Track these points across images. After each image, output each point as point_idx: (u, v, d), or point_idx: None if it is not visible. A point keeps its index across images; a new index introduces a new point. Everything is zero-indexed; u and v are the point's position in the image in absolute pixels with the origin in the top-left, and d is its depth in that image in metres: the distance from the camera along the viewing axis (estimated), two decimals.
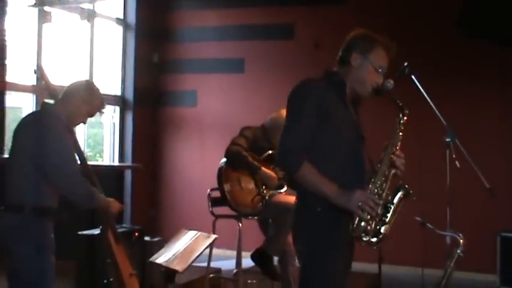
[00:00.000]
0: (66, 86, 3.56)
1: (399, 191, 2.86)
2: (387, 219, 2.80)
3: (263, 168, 4.82)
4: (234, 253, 5.49)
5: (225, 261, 6.57)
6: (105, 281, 3.70)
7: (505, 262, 6.68)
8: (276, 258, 4.92)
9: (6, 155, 5.90)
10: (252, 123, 5.21)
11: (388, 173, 2.85)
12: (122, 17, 8.13)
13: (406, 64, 3.79)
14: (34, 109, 6.46)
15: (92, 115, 3.60)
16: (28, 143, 3.31)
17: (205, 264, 5.18)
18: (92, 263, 4.48)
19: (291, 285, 4.75)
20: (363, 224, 2.75)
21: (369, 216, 2.72)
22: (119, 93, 8.12)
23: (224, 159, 4.92)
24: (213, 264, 5.36)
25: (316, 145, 2.78)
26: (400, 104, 2.92)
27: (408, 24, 7.28)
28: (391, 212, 2.82)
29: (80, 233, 4.79)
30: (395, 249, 6.46)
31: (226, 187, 4.83)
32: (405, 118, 2.92)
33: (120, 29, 8.14)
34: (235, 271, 5.41)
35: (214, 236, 4.32)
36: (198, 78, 8.32)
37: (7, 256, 3.30)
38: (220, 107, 8.17)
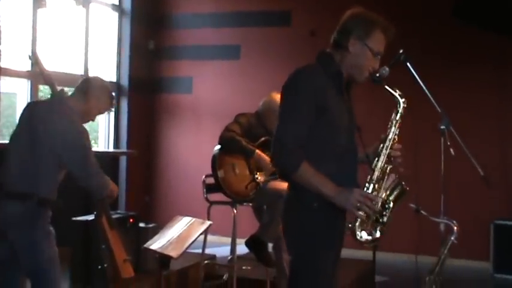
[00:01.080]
0: (81, 82, 3.59)
1: (396, 189, 2.81)
2: (384, 219, 2.77)
3: (257, 151, 4.82)
4: (229, 239, 5.50)
5: (220, 248, 6.59)
6: (100, 267, 3.70)
7: (498, 250, 6.73)
8: (270, 245, 4.93)
9: (0, 141, 5.90)
10: (247, 110, 5.20)
11: (386, 168, 2.80)
12: (117, 2, 8.10)
13: (401, 51, 3.78)
14: (28, 95, 6.44)
15: (102, 113, 3.67)
16: (47, 135, 3.29)
17: (199, 250, 5.19)
18: (87, 249, 4.49)
19: (285, 272, 4.77)
20: (358, 223, 2.73)
21: (365, 216, 2.68)
22: (114, 79, 8.09)
23: (218, 146, 4.91)
24: (207, 251, 5.37)
25: (313, 138, 2.69)
26: (398, 94, 2.86)
27: (405, 12, 7.27)
28: (388, 212, 2.78)
29: (74, 219, 4.79)
30: (389, 236, 6.48)
31: (220, 173, 4.83)
32: (403, 109, 2.85)
33: (115, 15, 8.10)
34: (229, 257, 5.42)
35: (208, 223, 4.32)
36: (194, 64, 8.31)
37: (5, 244, 3.30)
38: (216, 94, 8.16)
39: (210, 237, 5.48)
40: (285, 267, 4.73)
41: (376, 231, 2.78)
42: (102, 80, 3.70)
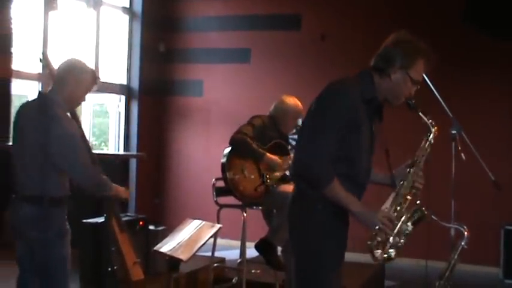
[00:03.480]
0: (57, 71, 3.48)
1: (416, 214, 2.85)
2: (400, 244, 2.80)
3: (267, 154, 4.83)
4: (238, 243, 5.49)
5: (229, 251, 6.58)
6: (110, 269, 3.71)
7: (509, 255, 6.69)
8: (279, 248, 4.92)
9: (11, 142, 5.91)
10: (257, 113, 5.20)
11: (409, 193, 2.85)
12: (128, 5, 8.13)
13: None
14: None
15: (89, 90, 3.53)
16: (36, 134, 3.28)
17: (209, 253, 5.19)
18: (97, 251, 4.49)
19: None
20: (377, 240, 2.77)
21: (385, 237, 2.74)
22: (124, 82, 8.12)
23: (228, 149, 4.92)
24: (217, 254, 5.38)
25: (339, 156, 2.73)
26: (430, 122, 2.89)
27: (416, 17, 7.26)
28: (404, 238, 2.81)
29: (84, 221, 4.80)
30: None
31: (229, 175, 4.83)
32: (432, 136, 2.89)
33: (126, 18, 8.13)
34: (239, 261, 5.42)
35: (218, 226, 4.32)
36: (204, 68, 8.32)
37: (20, 243, 3.32)
38: (226, 97, 8.16)
39: (219, 241, 5.47)
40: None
41: (391, 253, 2.81)
42: (75, 61, 3.54)
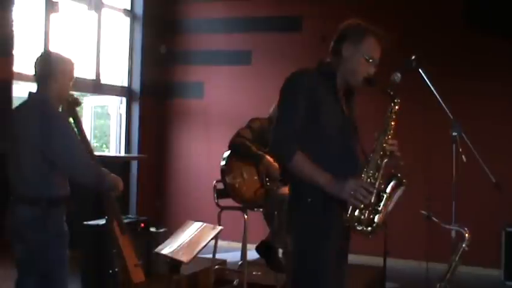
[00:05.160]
0: (37, 68, 3.44)
1: (392, 180, 2.83)
2: (380, 208, 2.78)
3: (267, 157, 4.83)
4: (239, 245, 5.50)
5: (230, 253, 6.59)
6: (111, 271, 3.71)
7: (510, 257, 6.68)
8: (280, 251, 4.92)
9: None
10: (258, 115, 5.21)
11: (381, 162, 2.83)
12: (129, 7, 8.13)
13: (413, 57, 3.78)
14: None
15: (72, 78, 3.50)
16: (32, 135, 3.27)
17: (210, 255, 5.20)
18: (98, 253, 4.50)
19: None
20: (356, 213, 2.75)
21: (362, 205, 2.72)
22: (125, 84, 8.12)
23: (227, 153, 4.93)
24: (218, 256, 5.39)
25: (307, 137, 2.80)
26: (391, 93, 2.90)
27: (417, 18, 7.26)
28: (384, 201, 2.79)
29: (85, 223, 4.80)
30: (401, 243, 6.47)
31: (229, 179, 4.84)
32: (397, 107, 2.89)
33: (127, 20, 8.14)
34: (240, 263, 5.42)
35: (219, 228, 4.33)
36: (205, 70, 8.32)
37: (21, 246, 3.31)
38: (227, 99, 8.17)
39: (220, 243, 5.48)
40: None
41: (373, 222, 2.78)
42: (51, 55, 3.52)
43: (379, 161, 2.83)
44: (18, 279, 3.36)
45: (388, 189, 2.81)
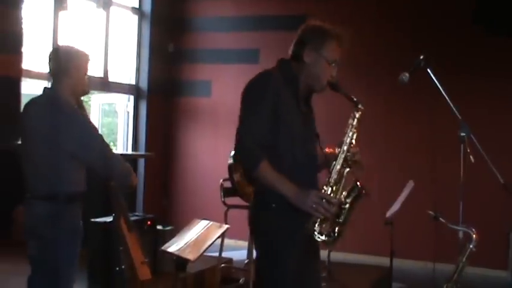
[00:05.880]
0: (52, 64, 3.38)
1: (353, 191, 2.85)
2: (341, 220, 2.81)
3: None
4: (246, 243, 5.50)
5: (237, 251, 6.59)
6: (117, 269, 3.72)
7: None
8: None
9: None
10: None
11: (343, 171, 2.84)
12: (137, 5, 8.14)
13: (422, 57, 3.77)
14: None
15: (87, 72, 3.45)
16: (49, 132, 3.23)
17: (217, 254, 5.20)
18: (105, 250, 4.51)
19: None
20: (317, 224, 2.77)
21: (322, 217, 2.73)
22: (133, 82, 8.13)
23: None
24: (224, 254, 5.39)
25: (270, 142, 2.78)
26: (355, 100, 2.90)
27: (425, 18, 7.24)
28: (345, 213, 2.82)
29: (93, 220, 4.81)
30: (407, 243, 6.46)
31: (236, 177, 4.84)
32: (359, 113, 2.89)
33: (135, 18, 8.15)
34: (246, 261, 5.42)
35: (226, 226, 4.33)
36: (213, 68, 8.33)
37: (35, 243, 3.31)
38: (234, 98, 8.02)
39: (227, 241, 5.48)
40: None
41: (334, 232, 2.81)
42: (66, 49, 3.45)
43: (340, 171, 2.84)
44: (31, 276, 3.36)
45: (349, 200, 2.84)
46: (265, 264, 2.83)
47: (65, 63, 3.35)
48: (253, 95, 2.85)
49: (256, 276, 2.93)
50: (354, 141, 2.88)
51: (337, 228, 2.80)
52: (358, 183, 2.84)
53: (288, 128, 2.82)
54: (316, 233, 2.77)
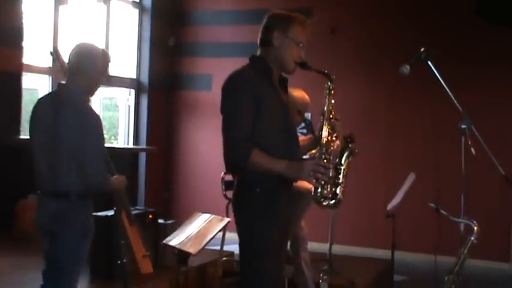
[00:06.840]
0: (70, 60, 3.37)
1: (345, 152, 3.00)
2: (340, 180, 2.96)
3: None
4: None
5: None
6: (119, 262, 3.72)
7: None
8: (288, 243, 4.92)
9: (22, 136, 5.94)
10: None
11: (330, 138, 2.97)
12: None
13: (422, 50, 3.76)
14: (50, 91, 6.48)
15: (105, 72, 3.46)
16: (57, 127, 3.22)
17: (218, 247, 5.20)
18: (106, 244, 4.51)
19: (303, 270, 4.76)
20: (319, 189, 2.91)
21: (323, 182, 2.89)
22: (134, 76, 8.13)
23: None
24: (226, 248, 5.38)
25: (256, 131, 2.92)
26: (326, 72, 3.05)
27: (427, 10, 7.22)
28: (342, 173, 2.97)
29: (94, 214, 4.80)
30: (409, 236, 6.46)
31: None
32: (333, 84, 3.04)
33: (136, 12, 8.14)
34: None
35: (227, 219, 4.33)
36: (214, 62, 8.32)
37: (47, 239, 3.30)
38: None
39: (228, 234, 5.47)
40: (303, 266, 4.73)
41: (337, 194, 2.95)
42: (85, 46, 3.44)
43: (328, 137, 2.97)
44: (44, 270, 3.36)
45: (343, 161, 2.99)
46: (250, 239, 2.97)
47: (82, 61, 3.34)
48: (231, 94, 3.02)
49: (241, 251, 3.05)
50: (332, 108, 3.02)
51: (338, 189, 2.96)
52: (350, 144, 3.01)
53: (270, 114, 2.96)
54: (320, 198, 2.92)
